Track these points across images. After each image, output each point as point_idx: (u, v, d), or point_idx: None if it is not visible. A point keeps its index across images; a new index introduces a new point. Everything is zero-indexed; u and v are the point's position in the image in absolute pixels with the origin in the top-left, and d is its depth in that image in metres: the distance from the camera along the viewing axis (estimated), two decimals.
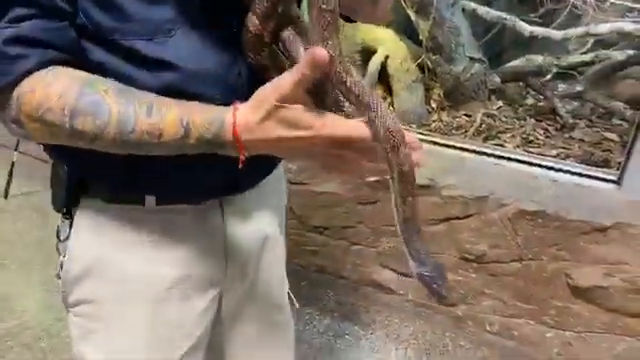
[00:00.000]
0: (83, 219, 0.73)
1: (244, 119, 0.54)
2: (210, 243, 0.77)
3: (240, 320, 0.86)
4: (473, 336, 1.80)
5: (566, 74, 2.23)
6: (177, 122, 0.55)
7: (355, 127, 0.54)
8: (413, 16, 2.06)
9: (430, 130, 1.99)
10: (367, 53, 2.28)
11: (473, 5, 2.04)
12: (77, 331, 0.76)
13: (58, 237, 0.75)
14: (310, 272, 2.06)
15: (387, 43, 2.21)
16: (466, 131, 1.99)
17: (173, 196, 0.72)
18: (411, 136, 0.57)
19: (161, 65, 0.60)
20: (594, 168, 1.72)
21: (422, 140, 1.89)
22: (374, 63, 2.16)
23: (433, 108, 2.17)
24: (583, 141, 1.97)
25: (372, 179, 1.77)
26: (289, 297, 0.94)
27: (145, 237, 0.73)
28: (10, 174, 0.79)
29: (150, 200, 0.71)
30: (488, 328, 1.78)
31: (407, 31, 2.33)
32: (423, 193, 1.70)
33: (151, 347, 0.75)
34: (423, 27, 2.04)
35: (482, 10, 2.02)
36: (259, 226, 0.83)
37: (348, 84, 0.54)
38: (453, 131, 2.00)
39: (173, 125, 0.55)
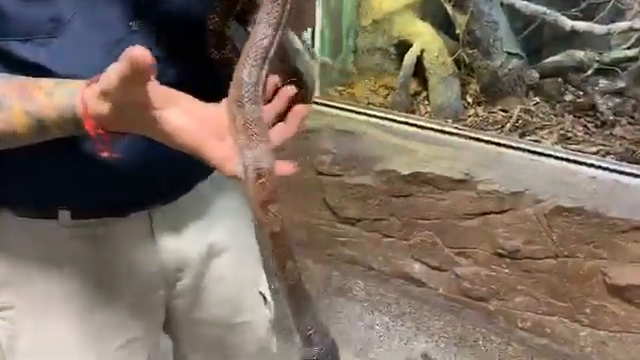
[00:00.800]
0: None
1: (94, 111, 0.47)
2: (138, 256, 0.72)
3: (197, 325, 0.82)
4: (504, 332, 1.79)
5: (608, 70, 2.18)
6: (25, 116, 0.49)
7: (224, 160, 0.46)
8: (450, 10, 2.05)
9: (466, 125, 1.98)
10: (403, 47, 2.28)
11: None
12: (3, 332, 0.72)
13: None
14: (341, 263, 2.09)
15: (423, 37, 2.21)
16: (502, 126, 1.97)
17: (89, 210, 0.67)
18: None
19: (41, 71, 0.53)
20: (635, 166, 1.69)
21: (457, 134, 1.89)
22: (409, 57, 2.16)
23: (469, 103, 2.16)
24: (624, 138, 1.93)
25: (405, 172, 1.79)
26: (262, 296, 0.88)
27: (62, 253, 0.68)
28: None
29: (64, 215, 0.66)
30: (520, 325, 1.77)
31: (444, 25, 2.31)
32: (459, 187, 1.71)
33: (82, 346, 0.72)
34: (460, 21, 2.03)
35: (521, 4, 2.00)
36: (198, 234, 0.76)
37: (244, 109, 0.46)
38: (489, 126, 1.99)
39: (22, 119, 0.49)
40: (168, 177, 0.69)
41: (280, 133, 0.49)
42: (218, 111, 0.48)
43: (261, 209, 0.46)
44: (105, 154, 0.49)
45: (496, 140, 1.80)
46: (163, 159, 0.60)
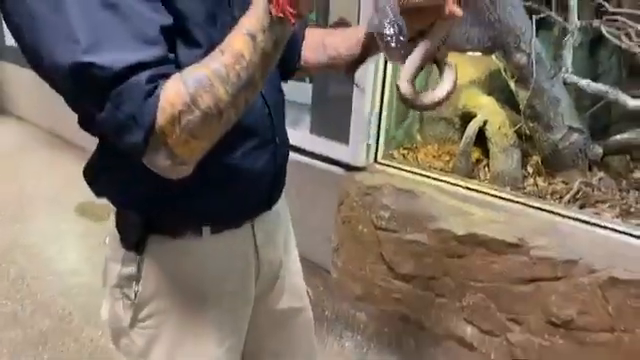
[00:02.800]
0: (151, 254, 0.80)
1: None
2: (247, 262, 0.88)
3: (273, 314, 1.00)
4: None
5: None
6: (241, 37, 0.60)
7: None
8: (513, 86, 2.17)
9: (524, 193, 2.04)
10: (467, 117, 2.41)
11: (575, 78, 2.10)
12: (142, 340, 0.83)
13: (132, 269, 0.81)
14: (394, 319, 2.13)
15: (487, 109, 2.34)
16: (561, 197, 2.00)
17: (223, 223, 0.82)
18: None
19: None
20: None
21: (514, 201, 1.94)
22: (472, 126, 2.28)
23: (529, 173, 2.22)
24: None
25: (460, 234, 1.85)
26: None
27: (203, 264, 0.83)
28: None
29: (206, 230, 0.81)
30: None
31: (510, 100, 2.43)
32: (511, 251, 1.75)
33: (214, 344, 0.86)
34: (522, 96, 2.14)
35: (582, 82, 2.08)
36: (280, 234, 0.96)
37: None
38: (547, 196, 2.03)
39: (240, 40, 0.60)
40: (278, 186, 0.90)
41: None
42: None
43: None
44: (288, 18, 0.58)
45: (552, 209, 1.83)
46: (280, 171, 0.85)
